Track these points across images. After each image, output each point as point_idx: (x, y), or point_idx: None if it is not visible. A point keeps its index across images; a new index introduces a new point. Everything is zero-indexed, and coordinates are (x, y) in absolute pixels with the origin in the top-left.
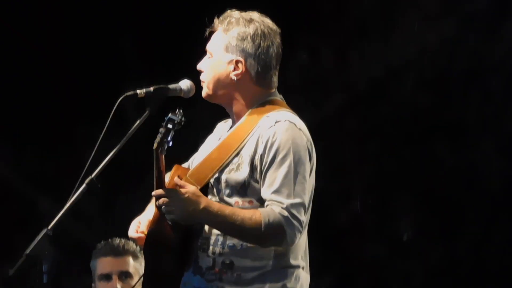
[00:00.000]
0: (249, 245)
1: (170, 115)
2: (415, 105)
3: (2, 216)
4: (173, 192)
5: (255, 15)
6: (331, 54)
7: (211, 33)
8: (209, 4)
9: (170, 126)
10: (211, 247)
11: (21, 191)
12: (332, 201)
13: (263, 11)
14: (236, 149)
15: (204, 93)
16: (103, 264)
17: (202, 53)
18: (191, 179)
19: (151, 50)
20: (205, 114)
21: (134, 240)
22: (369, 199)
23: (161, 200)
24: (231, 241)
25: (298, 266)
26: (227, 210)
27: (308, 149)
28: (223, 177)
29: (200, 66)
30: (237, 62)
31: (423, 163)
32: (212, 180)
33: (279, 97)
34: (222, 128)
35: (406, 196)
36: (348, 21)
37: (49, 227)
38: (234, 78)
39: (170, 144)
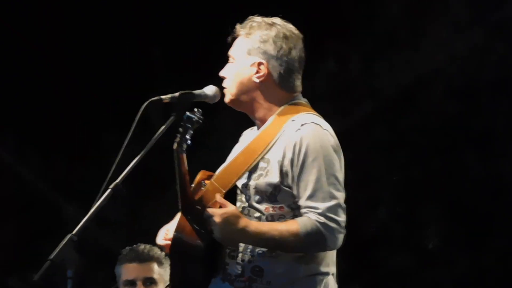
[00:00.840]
0: (279, 251)
1: (188, 113)
2: (443, 113)
3: (29, 222)
4: (213, 212)
5: (277, 19)
6: (360, 62)
7: (234, 39)
8: (235, 12)
9: (188, 125)
10: (240, 254)
11: (48, 198)
12: (360, 210)
13: (291, 19)
14: (262, 153)
15: (227, 99)
16: (128, 270)
17: (227, 59)
18: (216, 183)
19: (179, 58)
20: (228, 121)
21: (162, 247)
22: (396, 208)
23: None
24: (261, 248)
25: (328, 273)
26: (264, 227)
27: (336, 149)
28: (252, 183)
29: (222, 72)
30: (259, 64)
31: (451, 172)
32: (240, 186)
33: (303, 100)
34: (248, 136)
35: (433, 205)
36: (377, 29)
37: (74, 232)
38: (257, 80)
39: (189, 142)
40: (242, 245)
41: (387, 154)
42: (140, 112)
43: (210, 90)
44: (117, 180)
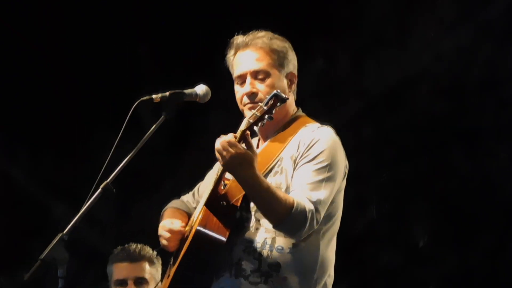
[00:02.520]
0: (297, 249)
1: (276, 92)
2: (430, 112)
3: (18, 221)
4: (235, 145)
5: None
6: (347, 61)
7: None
8: (223, 11)
9: (273, 104)
10: (258, 250)
11: (37, 197)
12: (348, 208)
13: (279, 17)
14: (279, 154)
15: None
16: (119, 270)
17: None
18: (234, 185)
19: (167, 56)
20: (218, 122)
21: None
22: (384, 206)
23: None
24: (279, 245)
25: (333, 276)
26: (269, 183)
27: (343, 157)
28: (268, 180)
29: (254, 89)
30: (291, 75)
31: (438, 170)
32: None
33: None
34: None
35: (421, 204)
36: (364, 27)
37: (65, 232)
38: (291, 91)
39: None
40: (260, 240)
41: (375, 153)
42: (130, 112)
43: (200, 89)
44: (108, 180)
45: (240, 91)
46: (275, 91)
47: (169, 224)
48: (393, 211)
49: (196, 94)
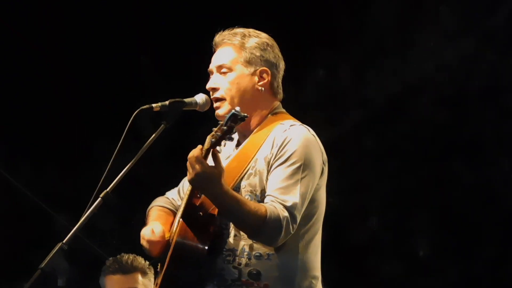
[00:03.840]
0: (275, 254)
1: (234, 111)
2: (433, 122)
3: (19, 231)
4: (201, 162)
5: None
6: (349, 71)
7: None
8: (224, 21)
9: (232, 123)
10: (237, 258)
11: (39, 207)
12: (350, 218)
13: (281, 28)
14: (254, 156)
15: (224, 109)
16: (111, 283)
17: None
18: None
19: (168, 66)
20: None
21: (149, 251)
22: (386, 216)
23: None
24: (257, 251)
25: (318, 277)
26: (239, 196)
27: (319, 155)
28: (243, 183)
29: (214, 84)
30: (262, 72)
31: (441, 180)
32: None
33: (283, 109)
34: (224, 149)
35: (423, 214)
36: (365, 38)
37: (64, 241)
38: (262, 88)
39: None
40: (239, 249)
41: (377, 163)
42: (130, 121)
43: (200, 98)
44: (107, 189)
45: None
46: (233, 111)
47: (148, 234)
48: (395, 221)
49: (196, 103)
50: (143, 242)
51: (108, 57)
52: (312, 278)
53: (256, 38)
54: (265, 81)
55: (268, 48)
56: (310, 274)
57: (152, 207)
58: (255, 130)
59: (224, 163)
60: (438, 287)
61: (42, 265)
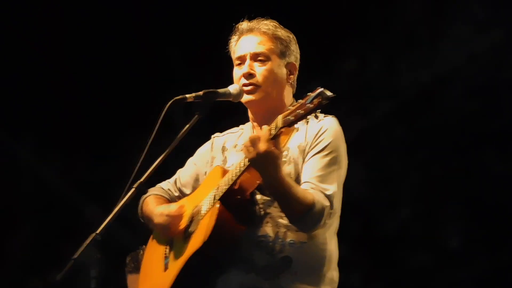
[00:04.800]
0: (307, 243)
1: (323, 88)
2: (463, 112)
3: (51, 222)
4: (266, 142)
5: None
6: (380, 61)
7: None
8: (256, 12)
9: (323, 102)
10: (270, 244)
11: (70, 198)
12: (380, 209)
13: (313, 19)
14: (284, 145)
15: (258, 95)
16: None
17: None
18: (245, 179)
19: (198, 57)
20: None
21: (171, 221)
22: (417, 207)
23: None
24: (291, 239)
25: (336, 269)
26: (291, 181)
27: (345, 148)
28: None
29: (252, 70)
30: (291, 66)
31: (471, 171)
32: None
33: None
34: (227, 139)
35: (453, 205)
36: (396, 28)
37: (97, 232)
38: (292, 82)
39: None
40: (271, 235)
41: (408, 153)
42: (164, 111)
43: (234, 88)
44: (141, 179)
45: (237, 72)
46: (321, 88)
47: (173, 208)
48: (425, 212)
49: (230, 94)
50: (162, 218)
51: (138, 47)
52: (334, 270)
53: (286, 32)
54: (293, 75)
55: (296, 44)
56: (333, 266)
57: (149, 195)
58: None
59: (241, 153)
60: (468, 278)
61: (76, 255)
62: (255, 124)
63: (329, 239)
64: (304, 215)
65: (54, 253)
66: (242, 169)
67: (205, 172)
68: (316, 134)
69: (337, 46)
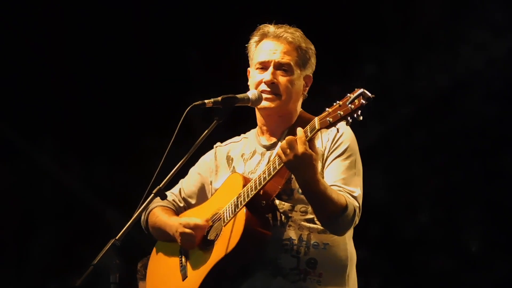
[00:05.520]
0: (330, 245)
1: (363, 89)
2: (483, 116)
3: (70, 227)
4: (303, 144)
5: None
6: (399, 66)
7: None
8: (276, 18)
9: (363, 102)
10: (295, 247)
11: (89, 203)
12: (400, 213)
13: (332, 24)
14: None
15: (276, 104)
16: None
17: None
18: (269, 184)
19: (216, 63)
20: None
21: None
22: (436, 211)
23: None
24: (315, 241)
25: (355, 271)
26: (326, 183)
27: None
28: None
29: (274, 78)
30: (308, 78)
31: (491, 175)
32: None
33: None
34: (231, 148)
35: (474, 209)
36: (415, 32)
37: (117, 237)
38: (305, 93)
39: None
40: (296, 238)
41: (427, 158)
42: (183, 117)
43: (252, 94)
44: (160, 185)
45: (258, 77)
46: (361, 89)
47: (198, 220)
48: (445, 216)
49: (249, 99)
50: (186, 229)
51: (157, 53)
52: (355, 270)
53: (309, 44)
54: (307, 87)
55: (315, 56)
56: (354, 267)
57: (155, 207)
58: (289, 129)
59: (251, 161)
60: (488, 282)
61: (95, 261)
62: (264, 128)
63: (348, 240)
64: (338, 216)
65: (73, 258)
66: (272, 173)
67: (211, 182)
68: (334, 139)
69: (356, 51)
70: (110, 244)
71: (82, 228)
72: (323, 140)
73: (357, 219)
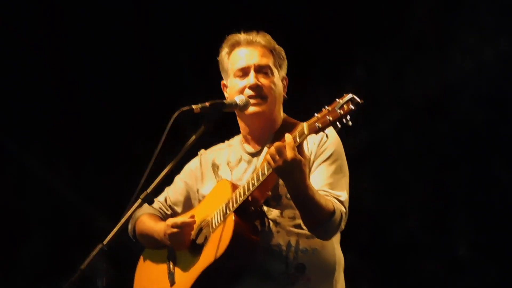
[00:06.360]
0: (318, 249)
1: (352, 95)
2: (472, 122)
3: (59, 232)
4: (292, 150)
5: None
6: (388, 70)
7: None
8: (267, 22)
9: (352, 107)
10: (283, 252)
11: (78, 208)
12: (389, 218)
13: (320, 27)
14: None
15: (265, 108)
16: None
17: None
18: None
19: (206, 67)
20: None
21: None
22: (425, 216)
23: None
24: (303, 246)
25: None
26: (315, 188)
27: None
28: (281, 182)
29: (258, 81)
30: (285, 79)
31: (480, 180)
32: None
33: None
34: (216, 155)
35: (462, 214)
36: (404, 37)
37: (105, 242)
38: (286, 96)
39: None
40: (284, 243)
41: (416, 163)
42: (170, 122)
43: (240, 99)
44: (148, 190)
45: (240, 83)
46: (350, 94)
47: (185, 219)
48: (434, 221)
49: (236, 104)
50: (174, 229)
51: (147, 57)
52: (342, 275)
53: (279, 46)
54: (286, 88)
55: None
56: (342, 272)
57: (142, 214)
58: (274, 135)
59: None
60: (476, 287)
61: (83, 266)
62: (248, 137)
63: (336, 244)
64: (326, 221)
65: (62, 262)
66: (261, 179)
67: (197, 189)
68: (319, 143)
69: (345, 55)
70: (97, 249)
71: (70, 232)
72: (309, 144)
73: (343, 224)
